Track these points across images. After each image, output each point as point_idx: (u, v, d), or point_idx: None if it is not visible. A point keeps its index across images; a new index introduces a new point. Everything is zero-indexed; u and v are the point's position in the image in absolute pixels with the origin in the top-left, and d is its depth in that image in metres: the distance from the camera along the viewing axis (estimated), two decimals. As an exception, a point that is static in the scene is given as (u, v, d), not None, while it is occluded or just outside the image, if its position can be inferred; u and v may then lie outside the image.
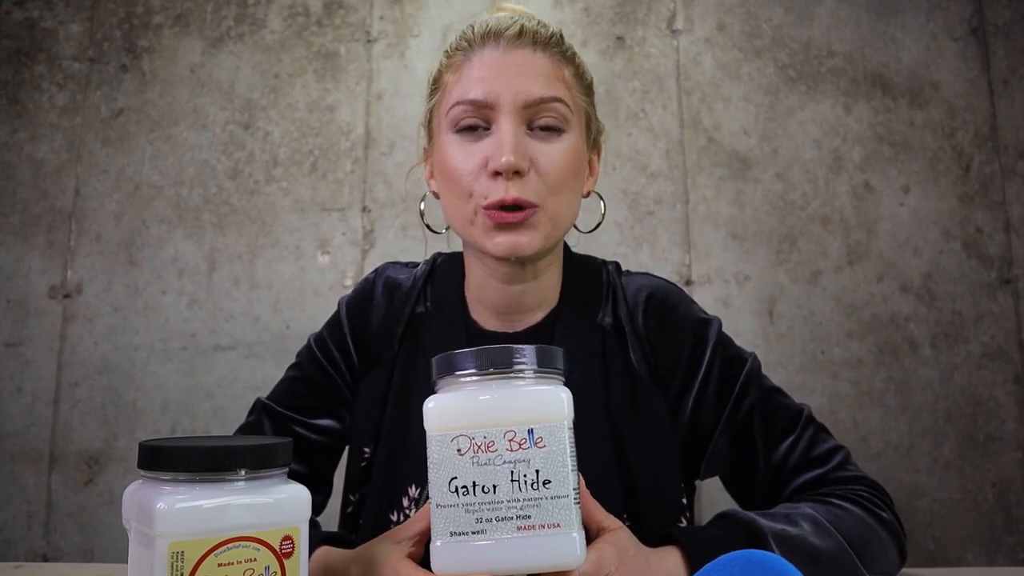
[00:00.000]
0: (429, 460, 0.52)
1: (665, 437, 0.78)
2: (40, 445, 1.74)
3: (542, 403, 0.51)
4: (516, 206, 0.71)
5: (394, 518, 0.78)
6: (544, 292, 0.80)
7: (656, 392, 0.78)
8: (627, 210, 1.76)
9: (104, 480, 1.73)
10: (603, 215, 0.84)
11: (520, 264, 0.76)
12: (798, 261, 1.74)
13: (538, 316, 0.81)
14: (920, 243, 1.73)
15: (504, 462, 0.50)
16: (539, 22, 0.76)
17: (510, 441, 0.50)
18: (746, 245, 1.75)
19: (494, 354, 0.52)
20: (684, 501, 0.79)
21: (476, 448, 0.51)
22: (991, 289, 1.71)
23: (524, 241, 0.71)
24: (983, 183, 1.75)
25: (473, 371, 0.52)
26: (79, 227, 1.83)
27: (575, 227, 0.82)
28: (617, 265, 0.86)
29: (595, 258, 0.87)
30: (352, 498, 0.82)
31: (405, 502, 0.77)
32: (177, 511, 0.44)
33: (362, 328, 0.84)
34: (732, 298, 1.73)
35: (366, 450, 0.81)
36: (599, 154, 0.84)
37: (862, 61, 1.80)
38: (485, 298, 0.80)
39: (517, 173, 0.71)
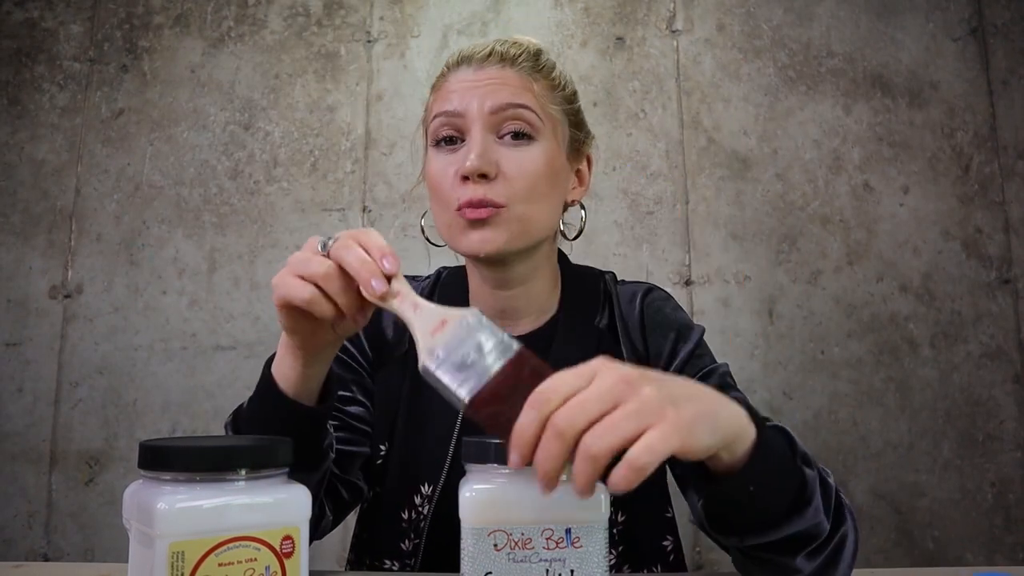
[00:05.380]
0: (463, 551, 0.52)
1: None
2: (40, 445, 1.74)
3: (581, 503, 0.51)
4: (481, 204, 0.75)
5: (405, 516, 0.79)
6: (536, 298, 0.85)
7: None
8: (627, 210, 1.77)
9: (104, 480, 1.73)
10: (583, 223, 0.88)
11: (498, 264, 0.80)
12: (798, 261, 1.74)
13: (539, 321, 0.85)
14: (920, 243, 1.73)
15: (540, 560, 0.51)
16: (513, 43, 0.82)
17: (547, 539, 0.51)
18: (746, 245, 1.75)
19: None
20: (667, 491, 0.85)
21: (513, 544, 0.51)
22: (990, 289, 1.71)
23: (489, 237, 0.76)
24: (982, 183, 1.75)
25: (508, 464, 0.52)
26: (79, 227, 1.83)
27: (563, 235, 0.86)
28: (613, 275, 0.92)
29: (594, 268, 0.92)
30: (368, 494, 0.84)
31: (417, 499, 0.80)
32: (177, 511, 0.44)
33: (374, 325, 0.86)
34: (732, 298, 1.73)
35: (382, 447, 0.83)
36: (589, 164, 0.88)
37: (862, 61, 1.80)
38: (484, 304, 0.84)
39: (484, 176, 0.75)
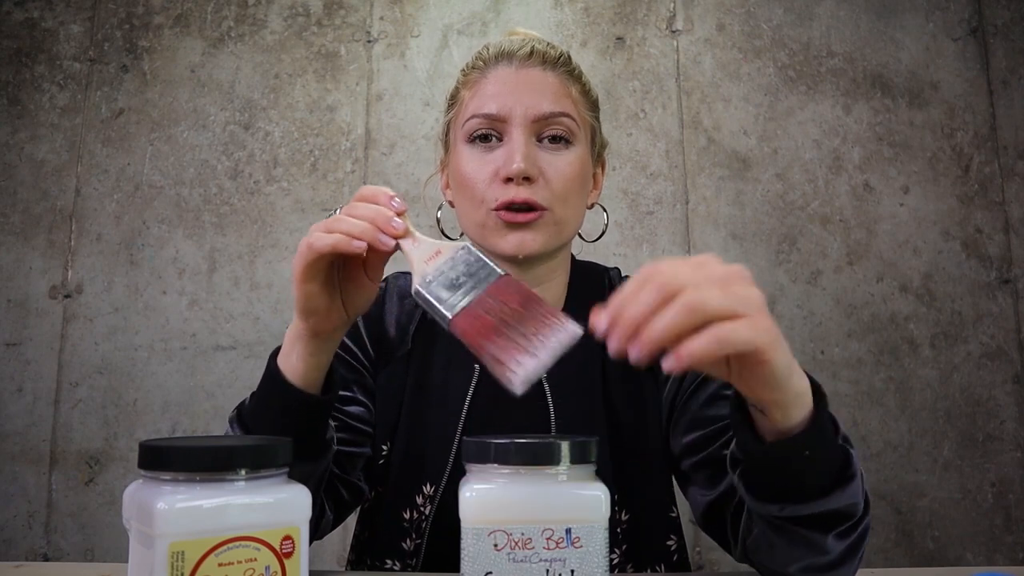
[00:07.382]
0: (463, 551, 0.52)
1: (657, 426, 0.81)
2: (40, 445, 1.75)
3: (582, 503, 0.52)
4: (526, 206, 0.76)
5: (407, 515, 0.79)
6: (548, 299, 0.84)
7: (649, 378, 0.82)
8: (627, 210, 1.77)
9: (104, 480, 1.73)
10: (606, 225, 0.90)
11: (525, 265, 0.80)
12: (798, 261, 1.74)
13: None
14: (920, 243, 1.73)
15: (540, 560, 0.51)
16: (548, 44, 0.83)
17: (547, 539, 0.51)
18: (746, 245, 1.75)
19: (531, 448, 0.52)
20: (672, 490, 0.83)
21: (513, 544, 0.51)
22: (991, 289, 1.71)
23: (529, 239, 0.77)
24: (982, 183, 1.75)
25: (509, 464, 0.52)
26: (79, 227, 1.83)
27: (580, 236, 0.87)
28: (618, 271, 0.92)
29: (599, 264, 0.92)
30: (369, 494, 0.84)
31: (419, 500, 0.80)
32: (177, 511, 0.44)
33: (376, 323, 0.87)
34: (732, 298, 1.73)
35: (384, 447, 0.83)
36: (603, 168, 0.90)
37: (862, 61, 1.80)
38: None
39: (527, 179, 0.76)
